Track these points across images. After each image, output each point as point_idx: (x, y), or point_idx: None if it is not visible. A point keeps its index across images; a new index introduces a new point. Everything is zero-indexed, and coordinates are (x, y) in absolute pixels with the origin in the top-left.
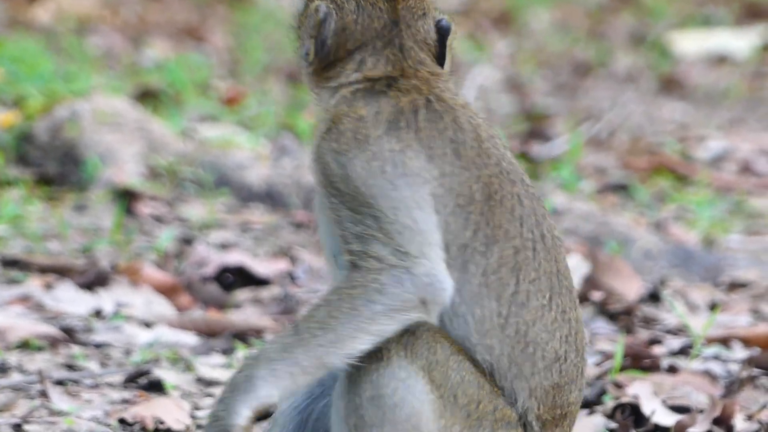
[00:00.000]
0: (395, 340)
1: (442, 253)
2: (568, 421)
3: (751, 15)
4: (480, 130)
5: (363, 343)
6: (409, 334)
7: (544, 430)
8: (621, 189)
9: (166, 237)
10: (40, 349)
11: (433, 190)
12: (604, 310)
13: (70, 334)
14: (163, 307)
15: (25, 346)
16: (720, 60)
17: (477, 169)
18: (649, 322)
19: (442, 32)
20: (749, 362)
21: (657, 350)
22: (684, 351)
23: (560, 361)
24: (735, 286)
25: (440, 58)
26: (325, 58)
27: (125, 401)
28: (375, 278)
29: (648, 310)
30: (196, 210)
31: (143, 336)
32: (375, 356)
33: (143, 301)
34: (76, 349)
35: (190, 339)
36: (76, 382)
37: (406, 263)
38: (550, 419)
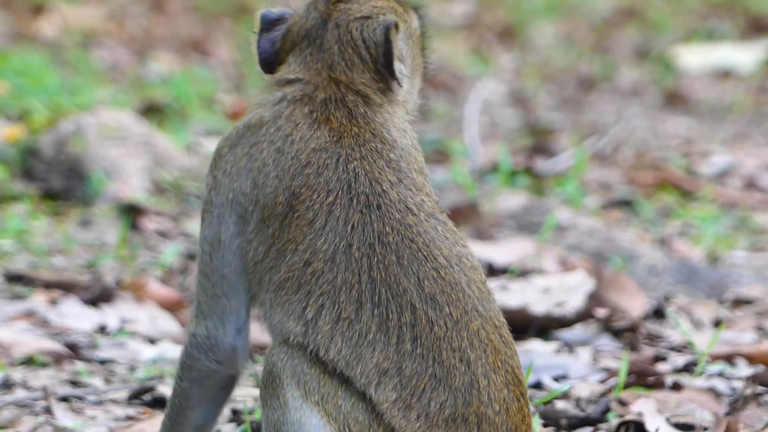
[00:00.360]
0: (289, 377)
1: (233, 300)
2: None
3: (755, 29)
4: (319, 140)
5: (196, 411)
6: (301, 369)
7: None
8: (625, 204)
9: (170, 252)
10: (44, 365)
11: (239, 211)
12: (608, 326)
13: (74, 350)
14: (167, 323)
15: (29, 362)
16: (724, 74)
17: (290, 179)
18: (653, 338)
19: (384, 31)
20: (753, 379)
21: (661, 367)
22: (688, 368)
23: (389, 373)
24: (739, 302)
25: (386, 57)
26: (273, 60)
27: (130, 418)
28: (182, 350)
29: (652, 326)
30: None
31: (148, 352)
32: (275, 400)
33: (148, 317)
34: (80, 366)
35: None
36: (80, 398)
37: (193, 329)
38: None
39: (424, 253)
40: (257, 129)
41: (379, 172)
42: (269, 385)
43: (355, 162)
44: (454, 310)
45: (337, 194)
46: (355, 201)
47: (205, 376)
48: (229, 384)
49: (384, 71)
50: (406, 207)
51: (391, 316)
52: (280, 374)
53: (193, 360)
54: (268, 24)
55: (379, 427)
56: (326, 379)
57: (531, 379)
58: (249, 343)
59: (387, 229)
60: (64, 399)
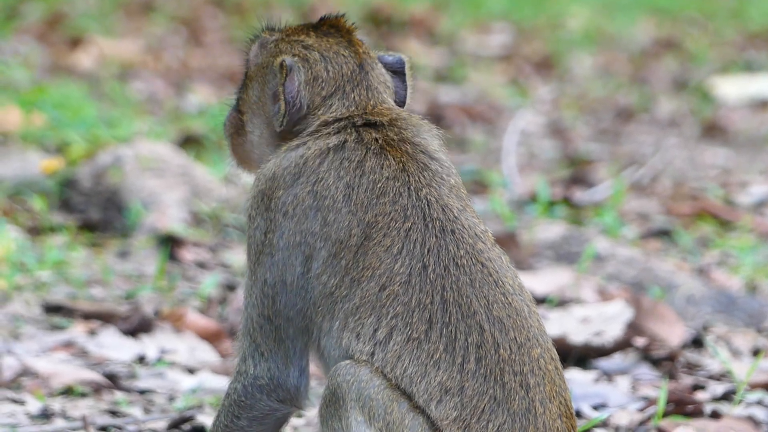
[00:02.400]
0: (354, 399)
1: (298, 342)
2: None
3: None
4: (390, 169)
5: None
6: (366, 394)
7: None
8: (664, 234)
9: (209, 283)
10: (83, 395)
11: (306, 251)
12: (647, 355)
13: (113, 381)
14: (206, 353)
15: (68, 392)
16: (762, 105)
17: (364, 211)
18: (692, 367)
19: (396, 67)
20: None
21: (700, 396)
22: (727, 396)
23: (451, 392)
24: None
25: (399, 94)
26: (298, 112)
27: None
28: (234, 388)
29: (691, 355)
30: (239, 256)
31: (187, 382)
32: (337, 421)
33: (187, 347)
34: (119, 396)
35: None
36: (119, 428)
37: (253, 371)
38: None
39: (494, 278)
40: (317, 164)
41: (447, 199)
42: (332, 405)
43: (425, 189)
44: (518, 335)
45: (414, 220)
46: (430, 226)
47: (266, 415)
48: (284, 420)
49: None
50: (476, 234)
51: (459, 336)
52: (345, 396)
53: (255, 401)
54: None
55: None
56: (393, 407)
57: None
58: (309, 382)
59: (461, 252)
60: (104, 429)
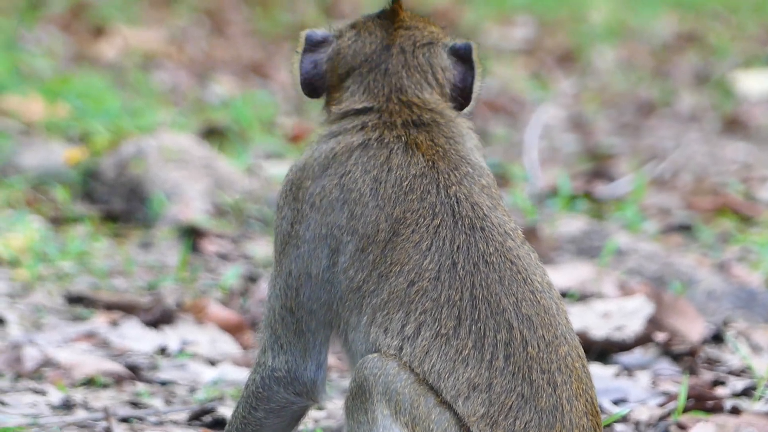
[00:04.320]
0: (381, 393)
1: (318, 336)
2: None
3: None
4: (418, 166)
5: None
6: (393, 388)
7: None
8: (685, 229)
9: (231, 275)
10: (105, 386)
11: (333, 244)
12: (667, 350)
13: (135, 372)
14: (227, 345)
15: (90, 383)
16: None
17: (392, 206)
18: (712, 363)
19: (462, 53)
20: None
21: (720, 391)
22: (747, 392)
23: (479, 389)
24: None
25: (465, 81)
26: (320, 86)
27: None
28: (253, 379)
29: (711, 351)
30: (261, 247)
31: (208, 374)
32: (363, 414)
33: (208, 339)
34: (141, 387)
35: None
36: (140, 419)
37: (271, 362)
38: None
39: (523, 275)
40: (345, 158)
41: (477, 197)
42: (358, 397)
43: (454, 187)
44: (546, 333)
45: (443, 217)
46: (459, 223)
47: (283, 407)
48: (302, 413)
49: (457, 92)
50: (506, 231)
51: (488, 333)
52: (371, 389)
53: (272, 393)
54: (313, 45)
55: None
56: (420, 402)
57: None
58: (326, 376)
59: (491, 249)
60: (125, 420)
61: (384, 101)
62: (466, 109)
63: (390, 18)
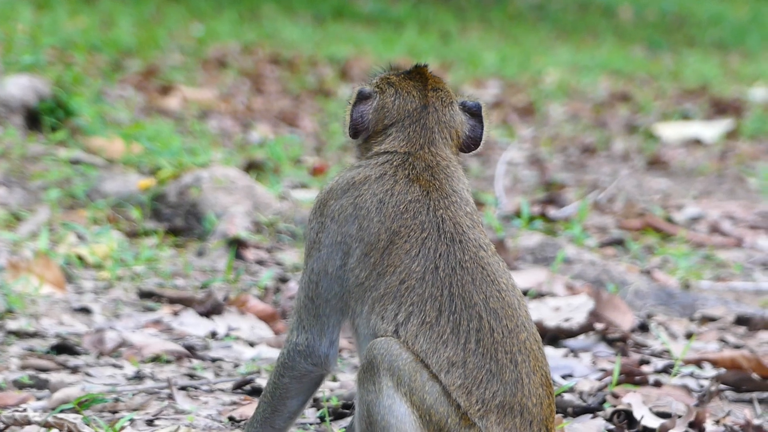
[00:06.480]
0: (386, 369)
1: (332, 319)
2: (517, 418)
3: (718, 110)
4: (414, 194)
5: (293, 400)
6: (396, 365)
7: (497, 426)
8: (618, 243)
9: (266, 276)
10: (168, 362)
11: (345, 249)
12: (604, 337)
13: (191, 351)
14: (263, 331)
15: (156, 359)
16: (694, 144)
17: (391, 222)
18: (639, 347)
19: (473, 110)
20: (717, 379)
21: (645, 369)
22: (666, 370)
23: (456, 365)
24: (706, 320)
25: (475, 132)
26: (363, 130)
27: (234, 403)
28: (282, 353)
29: (638, 337)
30: (289, 256)
31: (248, 353)
32: (372, 385)
33: (248, 326)
34: (196, 363)
35: None
36: (195, 388)
37: (295, 339)
38: (488, 415)
39: (492, 278)
40: (361, 185)
41: (459, 219)
42: (368, 371)
43: (441, 210)
44: (509, 322)
45: (429, 232)
46: (443, 236)
47: (303, 375)
48: (319, 381)
49: (469, 141)
50: (479, 245)
51: (462, 322)
52: (379, 365)
53: (295, 363)
54: (361, 98)
55: (456, 417)
56: (416, 376)
57: None
58: (338, 352)
59: (466, 257)
60: (183, 388)
61: (418, 148)
62: (473, 153)
63: (420, 79)
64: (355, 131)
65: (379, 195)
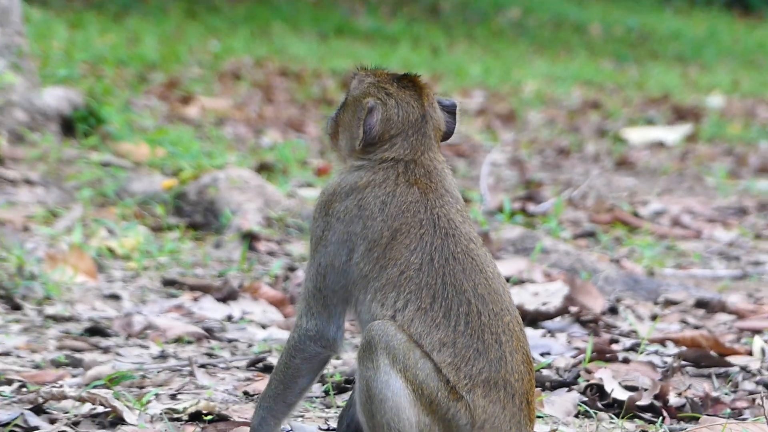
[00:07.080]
0: (383, 348)
1: (338, 308)
2: (501, 392)
3: (679, 116)
4: (413, 196)
5: (303, 379)
6: (392, 344)
7: (483, 399)
8: (590, 235)
9: (276, 266)
10: (189, 342)
11: (350, 245)
12: (578, 319)
13: (210, 333)
14: (274, 314)
15: (179, 340)
16: (658, 146)
17: (392, 220)
18: (609, 327)
19: (450, 109)
20: (679, 356)
21: (615, 347)
22: (634, 348)
23: (447, 345)
24: (669, 303)
25: (449, 127)
26: (371, 141)
27: (248, 379)
28: (292, 336)
29: (609, 319)
30: (297, 248)
31: (261, 334)
32: (371, 363)
33: (261, 310)
34: (214, 343)
35: None
36: (214, 365)
37: (305, 324)
38: (475, 389)
39: (480, 267)
40: (364, 188)
41: (452, 215)
42: (367, 350)
43: (437, 208)
44: (494, 307)
45: (426, 228)
46: (438, 231)
47: (313, 357)
48: (326, 361)
49: (443, 137)
50: (470, 238)
51: (453, 307)
52: (377, 344)
53: (306, 346)
54: (369, 111)
55: (446, 391)
56: (410, 355)
57: None
58: (344, 335)
59: (458, 249)
60: (203, 366)
61: (420, 155)
62: (443, 142)
63: (413, 88)
64: (365, 143)
65: (381, 197)
